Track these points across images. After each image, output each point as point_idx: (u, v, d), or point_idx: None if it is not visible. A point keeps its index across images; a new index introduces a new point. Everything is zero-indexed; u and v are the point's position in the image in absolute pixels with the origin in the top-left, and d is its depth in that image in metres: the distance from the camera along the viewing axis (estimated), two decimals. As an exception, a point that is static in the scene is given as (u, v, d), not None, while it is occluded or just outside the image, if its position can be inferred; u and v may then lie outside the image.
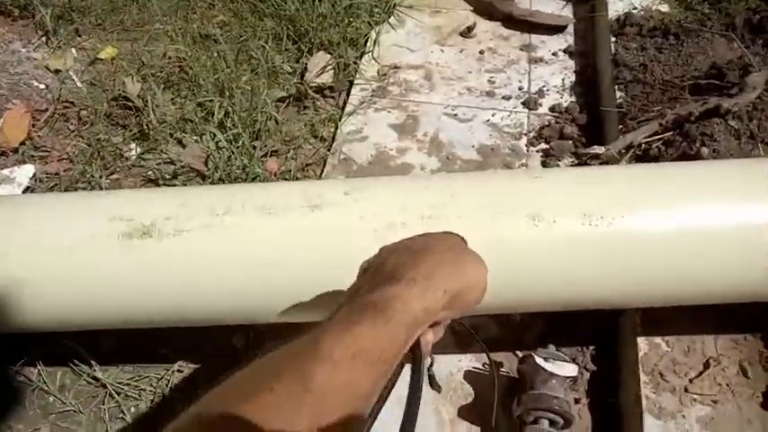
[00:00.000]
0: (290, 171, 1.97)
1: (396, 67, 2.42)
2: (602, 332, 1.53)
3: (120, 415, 1.47)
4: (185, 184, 1.97)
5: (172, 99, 2.20)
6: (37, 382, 1.51)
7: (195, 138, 2.05)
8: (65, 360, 1.52)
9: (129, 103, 2.13)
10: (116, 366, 1.54)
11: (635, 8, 2.43)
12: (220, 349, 1.56)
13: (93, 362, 1.52)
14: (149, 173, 2.01)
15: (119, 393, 1.49)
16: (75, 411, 1.47)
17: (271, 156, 2.03)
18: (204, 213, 1.18)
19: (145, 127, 2.07)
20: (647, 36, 2.25)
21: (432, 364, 1.30)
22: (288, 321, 1.33)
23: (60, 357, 1.52)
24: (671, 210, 1.12)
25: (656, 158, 1.76)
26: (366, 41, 2.50)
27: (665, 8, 2.42)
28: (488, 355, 1.25)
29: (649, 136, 1.84)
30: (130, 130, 2.10)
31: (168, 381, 1.51)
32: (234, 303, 1.19)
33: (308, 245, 1.15)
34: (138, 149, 2.07)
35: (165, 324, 1.30)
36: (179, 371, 1.53)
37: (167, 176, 2.00)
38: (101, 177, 1.94)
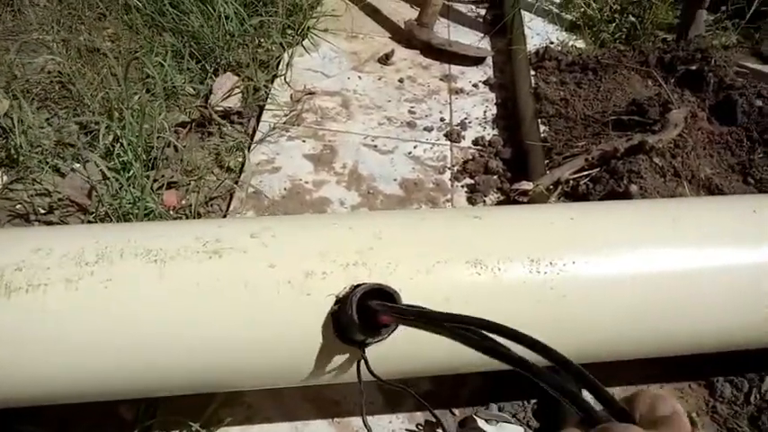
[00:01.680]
0: (191, 206, 1.72)
1: (310, 93, 2.25)
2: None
3: None
4: (62, 221, 1.67)
5: (47, 119, 1.89)
6: None
7: (76, 166, 1.75)
8: None
9: (-6, 124, 1.80)
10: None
11: (552, 42, 2.43)
12: (104, 422, 1.27)
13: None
14: (18, 206, 1.69)
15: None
16: None
17: (169, 188, 1.77)
18: (68, 262, 0.93)
19: (13, 151, 1.75)
20: (566, 71, 2.23)
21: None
22: (181, 393, 1.09)
23: None
24: (625, 255, 1.01)
25: (584, 196, 1.70)
26: (278, 64, 2.32)
27: (580, 44, 2.43)
28: (432, 412, 1.05)
29: (576, 171, 1.77)
30: (-6, 156, 1.77)
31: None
32: (104, 378, 0.94)
33: (203, 303, 0.93)
34: (5, 178, 1.74)
35: (16, 403, 1.01)
36: (47, 454, 1.23)
37: (41, 211, 1.68)
38: (-47, 211, 1.60)
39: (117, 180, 1.67)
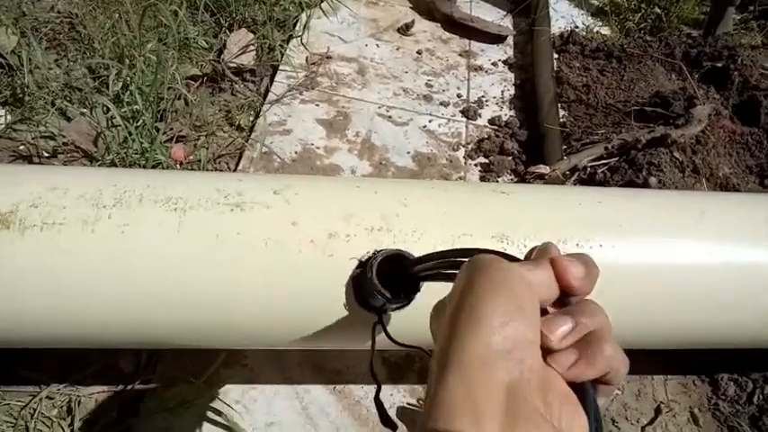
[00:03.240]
0: (200, 161, 1.67)
1: (327, 57, 2.19)
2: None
3: (-40, 454, 1.13)
4: (67, 165, 1.62)
5: (56, 60, 1.82)
6: None
7: (83, 110, 1.70)
8: None
9: (1, 60, 1.73)
10: (-34, 390, 1.19)
11: (577, 27, 2.38)
12: (103, 372, 1.24)
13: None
14: (21, 147, 1.63)
15: (-39, 425, 1.15)
16: None
17: (177, 141, 1.72)
18: (85, 203, 0.89)
19: (19, 90, 1.69)
20: (590, 56, 2.19)
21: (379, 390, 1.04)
22: (188, 347, 1.06)
23: None
24: (651, 243, 0.98)
25: (601, 184, 1.67)
26: (295, 24, 2.26)
27: (605, 31, 2.39)
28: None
29: (594, 159, 1.75)
30: (0, 93, 1.70)
31: (34, 410, 1.18)
32: (117, 325, 0.91)
33: (225, 254, 0.89)
34: (9, 117, 1.68)
35: (22, 345, 0.98)
36: (49, 398, 1.20)
37: (45, 154, 1.63)
38: (-46, 146, 1.54)
39: (125, 129, 1.62)
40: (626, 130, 1.81)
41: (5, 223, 0.87)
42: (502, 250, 0.93)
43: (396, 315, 0.93)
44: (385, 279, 0.87)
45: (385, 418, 0.88)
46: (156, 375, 1.24)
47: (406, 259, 0.86)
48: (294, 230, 0.91)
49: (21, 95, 1.69)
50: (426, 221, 0.96)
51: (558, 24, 2.37)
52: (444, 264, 0.69)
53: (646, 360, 1.30)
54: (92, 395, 1.23)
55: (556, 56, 2.19)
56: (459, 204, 1.01)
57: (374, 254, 0.92)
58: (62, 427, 1.18)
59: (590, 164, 1.74)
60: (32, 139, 1.64)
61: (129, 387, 1.23)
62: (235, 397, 1.25)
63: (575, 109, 1.97)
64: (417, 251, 0.90)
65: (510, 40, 2.48)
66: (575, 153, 1.79)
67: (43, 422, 1.18)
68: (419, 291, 0.86)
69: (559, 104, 1.99)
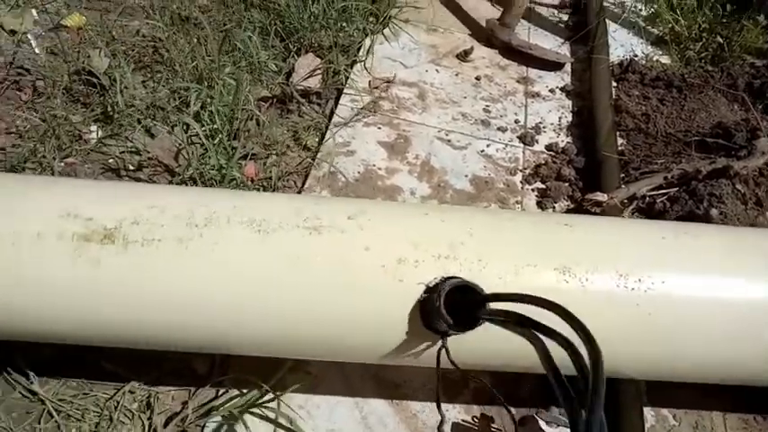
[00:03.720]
0: (271, 179, 1.78)
1: (388, 82, 2.28)
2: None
3: (59, 436, 1.24)
4: (151, 179, 1.75)
5: (143, 82, 1.97)
6: (-41, 390, 1.27)
7: (166, 129, 1.83)
8: (-3, 367, 1.29)
9: (94, 80, 1.90)
10: (57, 380, 1.31)
11: (636, 55, 2.39)
12: (179, 372, 1.35)
13: (30, 372, 1.29)
14: (110, 161, 1.78)
15: (59, 412, 1.26)
16: (4, 428, 1.23)
17: (249, 159, 1.83)
18: (180, 222, 0.99)
19: (109, 108, 1.84)
20: (650, 85, 2.20)
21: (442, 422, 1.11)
22: (262, 355, 1.15)
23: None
24: (715, 282, 1.01)
25: (660, 214, 1.68)
26: (359, 50, 2.36)
27: (666, 60, 2.39)
28: (507, 409, 1.07)
29: (653, 189, 1.76)
30: (92, 110, 1.86)
31: (118, 402, 1.29)
32: (206, 332, 1.00)
33: (303, 275, 0.98)
34: (100, 133, 1.83)
35: (119, 345, 1.09)
36: (131, 392, 1.31)
37: (131, 168, 1.77)
38: (54, 159, 1.70)
39: (204, 146, 1.75)
40: (686, 160, 1.82)
41: (111, 238, 0.97)
42: (564, 282, 0.99)
43: (457, 338, 0.98)
44: (451, 305, 0.93)
45: None
46: (228, 378, 1.34)
47: (474, 292, 0.92)
48: (367, 255, 0.99)
49: (111, 113, 1.84)
50: (491, 251, 1.02)
51: (616, 52, 2.39)
52: (512, 316, 0.75)
53: (705, 396, 1.31)
54: (169, 392, 1.33)
55: (614, 84, 2.21)
56: (522, 235, 1.07)
57: (442, 281, 0.98)
58: (142, 420, 1.28)
59: (649, 193, 1.75)
60: (120, 153, 1.79)
61: (203, 387, 1.33)
62: (299, 402, 1.33)
63: (633, 137, 1.99)
64: (482, 280, 0.96)
65: (567, 67, 2.51)
66: (633, 182, 1.80)
67: (125, 414, 1.29)
68: (483, 322, 0.92)
69: (618, 132, 2.01)
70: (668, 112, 2.05)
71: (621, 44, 2.45)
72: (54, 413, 1.25)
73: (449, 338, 0.99)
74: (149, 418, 1.27)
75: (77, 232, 0.96)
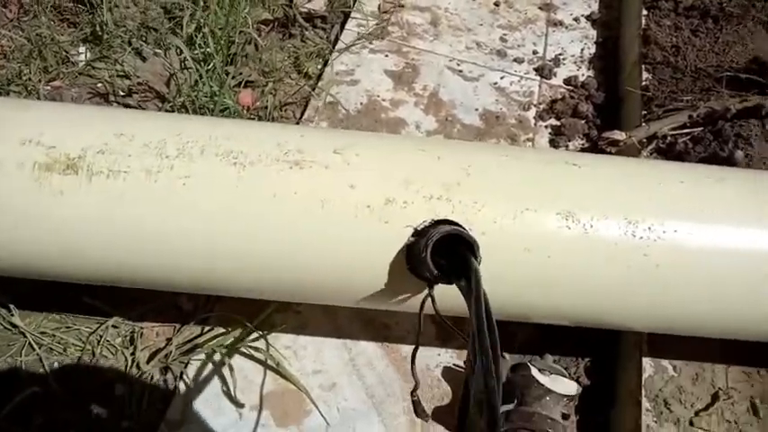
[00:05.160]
0: (267, 108, 1.68)
1: (399, 6, 2.12)
2: (600, 343, 1.35)
3: (41, 370, 1.23)
4: (140, 106, 1.66)
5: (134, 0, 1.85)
6: (-63, 322, 1.25)
7: (158, 52, 1.73)
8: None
9: (82, -3, 1.78)
10: (39, 313, 1.29)
11: (672, -19, 2.18)
12: (164, 309, 1.32)
13: (10, 305, 1.26)
14: (99, 85, 1.69)
15: (40, 345, 1.25)
16: None
17: (245, 86, 1.73)
18: (150, 152, 0.92)
19: (98, 28, 1.73)
20: (683, 15, 2.01)
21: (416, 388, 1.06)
22: (241, 296, 1.10)
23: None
24: (732, 233, 0.91)
25: (680, 155, 1.56)
26: (369, -31, 2.18)
27: (704, -14, 2.18)
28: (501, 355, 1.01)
29: (676, 128, 1.63)
30: (81, 30, 1.76)
31: (100, 337, 1.27)
32: (174, 271, 0.95)
33: (281, 214, 0.90)
34: (89, 55, 1.74)
35: (86, 281, 1.04)
36: (114, 327, 1.28)
37: (120, 93, 1.69)
38: (39, 82, 1.61)
39: (197, 71, 1.64)
40: (715, 97, 1.67)
41: (74, 168, 0.90)
42: (565, 229, 0.90)
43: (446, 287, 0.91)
44: (440, 253, 0.86)
45: (419, 411, 0.91)
46: (213, 315, 1.30)
47: (464, 242, 0.83)
48: (352, 194, 0.91)
49: (100, 33, 1.73)
50: (489, 193, 0.93)
51: (651, -23, 2.18)
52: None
53: (712, 345, 1.24)
54: (153, 328, 1.31)
55: (645, 12, 2.03)
56: (526, 175, 0.97)
57: (432, 224, 0.90)
58: (125, 355, 1.26)
59: (671, 132, 1.63)
60: (109, 77, 1.69)
61: (187, 325, 1.30)
62: (285, 343, 1.29)
63: (660, 72, 1.83)
64: (477, 224, 0.88)
65: (596, -8, 2.31)
66: (655, 120, 1.67)
67: (108, 349, 1.27)
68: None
69: (643, 66, 1.85)
70: (700, 45, 1.88)
71: (656, -32, 2.23)
72: (35, 346, 1.23)
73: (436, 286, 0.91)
74: (132, 354, 1.25)
75: (39, 161, 0.89)
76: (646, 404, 1.20)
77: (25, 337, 1.25)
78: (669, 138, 1.63)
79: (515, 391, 1.17)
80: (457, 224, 0.87)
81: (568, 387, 1.15)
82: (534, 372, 1.16)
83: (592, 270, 0.91)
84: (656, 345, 1.26)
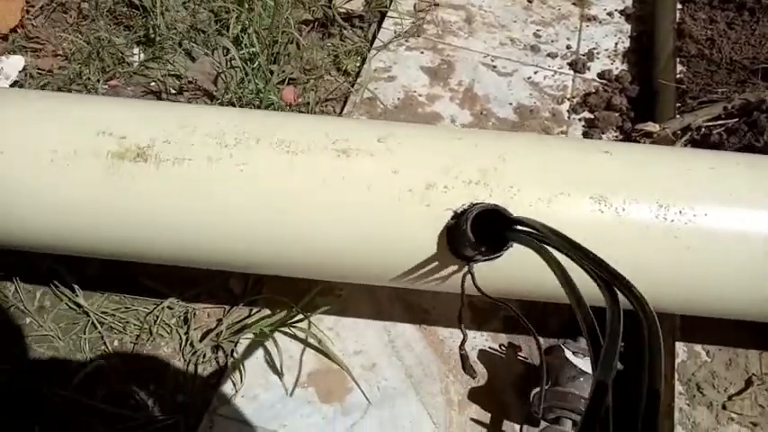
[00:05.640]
0: (308, 104, 1.76)
1: (434, 4, 2.18)
2: (634, 325, 1.39)
3: (102, 347, 1.33)
4: (190, 102, 1.76)
5: (184, 3, 1.95)
6: (13, 301, 1.36)
7: (206, 52, 1.83)
8: (45, 280, 1.37)
9: (136, 1, 1.89)
10: (101, 294, 1.39)
11: (707, -26, 2.18)
12: (215, 291, 1.41)
13: (75, 286, 1.37)
14: (152, 84, 1.80)
15: (102, 324, 1.35)
16: (53, 337, 1.33)
17: (288, 84, 1.81)
18: (211, 141, 1.00)
19: (151, 31, 1.84)
20: (719, 8, 2.01)
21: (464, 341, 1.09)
22: (290, 275, 1.18)
23: (40, 276, 1.37)
24: (762, 217, 0.95)
25: (715, 146, 1.58)
26: (405, -30, 2.24)
27: (740, -21, 2.17)
28: (535, 336, 1.04)
29: (710, 120, 1.65)
30: (135, 32, 1.87)
31: (157, 317, 1.36)
32: (236, 251, 1.03)
33: (330, 197, 0.97)
34: (142, 56, 1.85)
35: (152, 261, 1.13)
36: (169, 308, 1.38)
37: (172, 91, 1.79)
38: (98, 81, 1.73)
39: (242, 70, 1.73)
40: (750, 89, 1.68)
41: (143, 156, 0.99)
42: (598, 212, 0.95)
43: (485, 266, 0.97)
44: (478, 232, 0.92)
45: (467, 367, 0.95)
46: (261, 298, 1.38)
47: (502, 216, 0.89)
48: (395, 179, 0.97)
49: (153, 36, 1.84)
50: (524, 178, 0.98)
51: (686, -30, 2.19)
52: (540, 236, 0.72)
53: (741, 333, 1.27)
54: (205, 309, 1.40)
55: (679, 6, 2.04)
56: (559, 162, 1.02)
57: (470, 207, 0.96)
58: (179, 334, 1.36)
59: (705, 124, 1.64)
60: (162, 76, 1.80)
61: (237, 306, 1.38)
62: (328, 324, 1.36)
63: (694, 64, 1.84)
64: (513, 207, 0.93)
65: (630, -13, 2.33)
66: (689, 112, 1.69)
67: (163, 328, 1.36)
68: (510, 247, 0.89)
69: (678, 59, 1.86)
70: (736, 38, 1.88)
71: (692, -39, 2.24)
72: (98, 325, 1.34)
73: (475, 265, 0.97)
74: (186, 333, 1.34)
75: (112, 150, 0.98)
76: (679, 387, 1.24)
77: (88, 316, 1.35)
78: (703, 129, 1.65)
79: (550, 373, 1.22)
80: (495, 204, 0.93)
81: (601, 368, 1.19)
82: (568, 354, 1.20)
83: (623, 252, 0.95)
84: (689, 331, 1.29)
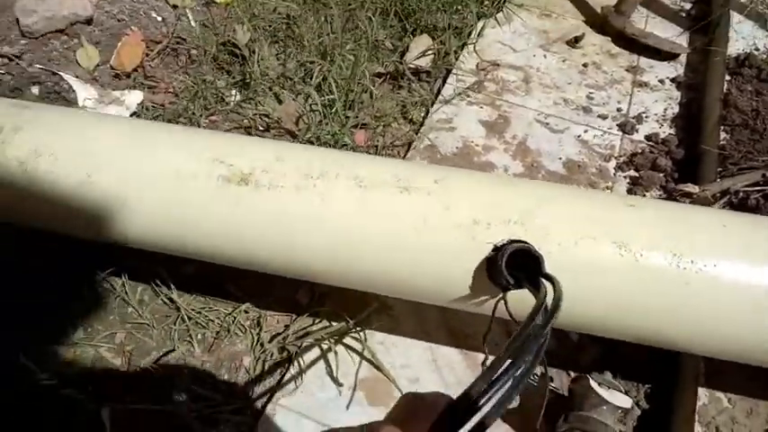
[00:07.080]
0: (377, 147, 2.00)
1: (495, 65, 2.40)
2: (661, 370, 1.51)
3: (188, 338, 1.57)
4: (275, 139, 2.03)
5: (276, 54, 2.26)
6: (120, 293, 1.62)
7: (292, 96, 2.10)
8: (147, 278, 1.63)
9: (237, 51, 2.21)
10: (191, 294, 1.64)
11: (757, 49, 2.32)
12: (285, 301, 1.63)
13: (171, 284, 1.62)
14: (244, 121, 2.08)
15: (189, 318, 1.59)
16: (148, 326, 1.58)
17: (360, 128, 2.06)
18: (299, 173, 1.23)
19: (247, 76, 2.14)
20: (766, 81, 2.14)
21: (486, 360, 1.27)
22: (355, 288, 1.38)
23: (143, 274, 1.64)
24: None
25: (753, 210, 1.70)
26: (470, 33, 2.49)
27: (790, 56, 2.30)
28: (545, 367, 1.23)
29: (749, 185, 1.77)
30: (233, 77, 2.17)
31: (234, 318, 1.60)
32: (311, 263, 1.24)
33: (392, 224, 1.18)
34: (238, 96, 2.14)
35: (243, 266, 1.36)
36: (245, 312, 1.61)
37: (260, 128, 2.07)
38: (200, 116, 2.03)
39: (321, 113, 2.00)
40: (789, 160, 1.80)
41: (246, 181, 1.23)
42: (618, 256, 1.11)
43: (519, 293, 1.14)
44: (512, 265, 1.09)
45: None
46: (323, 310, 1.59)
47: (532, 257, 1.06)
48: (446, 214, 1.17)
49: (248, 81, 2.14)
50: (556, 222, 1.16)
51: (736, 45, 2.33)
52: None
53: (755, 376, 1.36)
54: (274, 316, 1.62)
55: (728, 77, 2.18)
56: (588, 209, 1.19)
57: (508, 242, 1.14)
58: (252, 335, 1.58)
59: (744, 189, 1.76)
60: (253, 115, 2.08)
61: (302, 316, 1.60)
62: (379, 339, 1.55)
63: (738, 133, 1.97)
64: (544, 245, 1.11)
65: (683, 58, 2.48)
66: (729, 176, 1.82)
67: (239, 328, 1.59)
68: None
69: (722, 127, 2.00)
70: (780, 110, 2.00)
71: (743, 36, 2.38)
72: (186, 319, 1.58)
73: (509, 294, 1.15)
74: (258, 334, 1.56)
75: (222, 174, 1.23)
76: (698, 429, 1.34)
77: (179, 311, 1.59)
78: (741, 193, 1.77)
79: (574, 399, 1.36)
80: (527, 243, 1.11)
81: (622, 400, 1.32)
82: (593, 383, 1.34)
83: (637, 291, 1.11)
84: (712, 376, 1.40)
